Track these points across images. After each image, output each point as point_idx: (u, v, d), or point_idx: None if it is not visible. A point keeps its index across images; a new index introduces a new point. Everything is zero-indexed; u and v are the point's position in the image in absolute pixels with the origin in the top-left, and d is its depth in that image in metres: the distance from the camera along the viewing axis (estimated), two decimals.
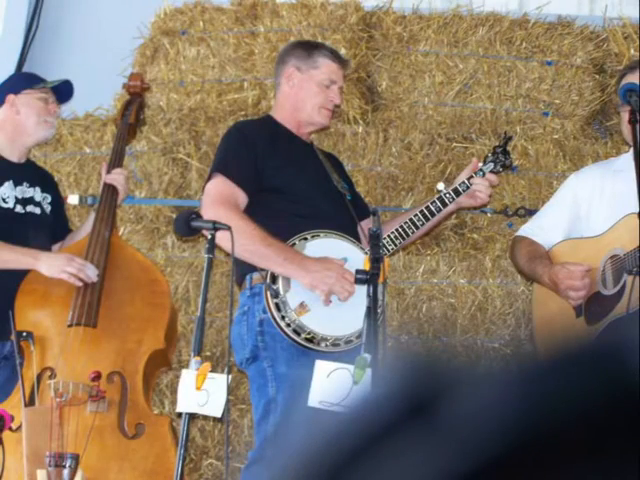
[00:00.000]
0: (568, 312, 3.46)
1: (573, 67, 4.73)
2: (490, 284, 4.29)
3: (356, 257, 3.35)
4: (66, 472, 3.26)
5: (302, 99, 3.64)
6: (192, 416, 3.13)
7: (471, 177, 3.60)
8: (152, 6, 4.96)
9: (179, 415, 3.27)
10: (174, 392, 3.98)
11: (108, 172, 3.93)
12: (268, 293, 3.32)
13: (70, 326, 3.62)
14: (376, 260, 2.93)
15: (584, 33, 4.80)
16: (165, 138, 4.64)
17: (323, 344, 3.29)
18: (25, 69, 5.25)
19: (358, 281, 2.99)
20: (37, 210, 3.88)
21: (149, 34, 4.94)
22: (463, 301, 4.28)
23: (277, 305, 3.31)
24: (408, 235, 3.55)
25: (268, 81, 4.65)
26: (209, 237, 3.13)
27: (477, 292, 4.29)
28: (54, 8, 5.47)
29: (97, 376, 3.48)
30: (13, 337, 3.56)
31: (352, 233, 3.50)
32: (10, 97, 3.91)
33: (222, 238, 3.20)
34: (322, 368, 2.96)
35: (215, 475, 4.21)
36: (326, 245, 3.41)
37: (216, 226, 3.13)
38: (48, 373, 3.55)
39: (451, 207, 3.63)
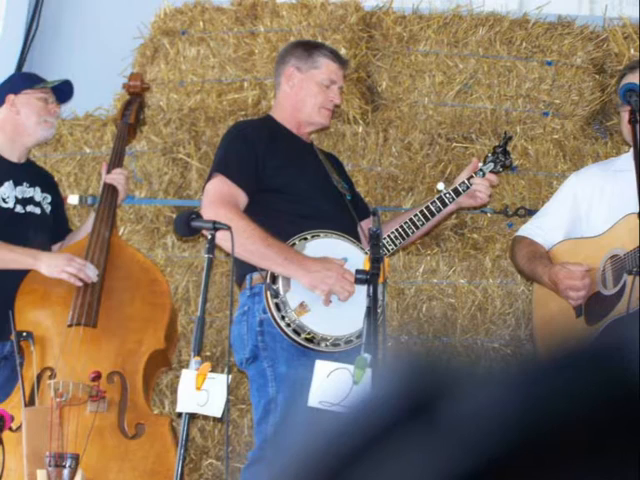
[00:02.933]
0: (568, 312, 3.46)
1: (573, 67, 4.73)
2: (490, 284, 4.29)
3: (356, 257, 3.35)
4: (66, 472, 3.26)
5: (302, 99, 3.64)
6: (192, 416, 3.13)
7: (471, 177, 3.60)
8: (152, 6, 4.96)
9: (179, 415, 3.27)
10: (174, 392, 3.98)
11: (108, 172, 3.93)
12: (268, 293, 3.32)
13: (70, 326, 3.62)
14: (376, 260, 2.93)
15: (584, 33, 4.80)
16: (165, 138, 4.64)
17: (323, 344, 3.29)
18: (25, 69, 5.25)
19: (358, 281, 2.99)
20: (37, 210, 3.88)
21: (149, 34, 4.94)
22: (463, 301, 4.28)
23: (277, 305, 3.31)
24: (408, 235, 3.55)
25: (268, 81, 4.65)
26: (209, 237, 3.13)
27: (477, 292, 4.28)
28: (54, 8, 5.47)
29: (97, 376, 3.48)
30: (13, 337, 3.56)
31: (352, 233, 3.50)
32: (10, 97, 3.91)
33: (222, 238, 3.20)
34: (322, 368, 2.95)
35: (215, 475, 4.20)
36: (326, 245, 3.41)
37: (216, 226, 3.12)
38: (48, 373, 3.55)
39: (451, 207, 3.63)
